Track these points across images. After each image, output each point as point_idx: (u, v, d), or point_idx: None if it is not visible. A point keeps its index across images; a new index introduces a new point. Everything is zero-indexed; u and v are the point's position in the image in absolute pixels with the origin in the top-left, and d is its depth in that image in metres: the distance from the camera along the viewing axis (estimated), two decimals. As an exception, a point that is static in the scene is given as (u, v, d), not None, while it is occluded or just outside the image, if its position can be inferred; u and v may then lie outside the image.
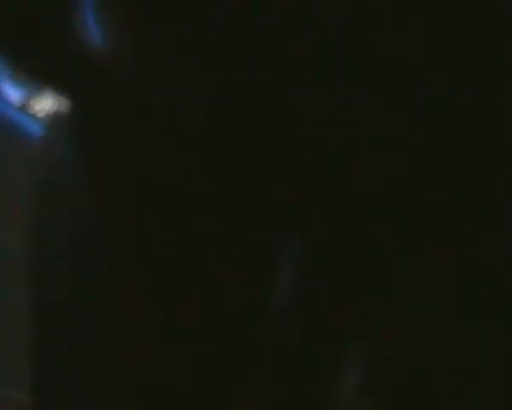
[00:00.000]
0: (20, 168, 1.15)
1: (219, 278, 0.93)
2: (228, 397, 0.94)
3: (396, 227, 0.87)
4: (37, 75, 1.08)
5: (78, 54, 0.95)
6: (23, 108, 1.76)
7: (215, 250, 0.93)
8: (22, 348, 1.02)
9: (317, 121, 0.86)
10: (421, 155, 0.83)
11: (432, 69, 0.81)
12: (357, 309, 0.90)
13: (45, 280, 1.05)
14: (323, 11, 0.81)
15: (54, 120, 1.10)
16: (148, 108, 0.93)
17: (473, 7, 0.79)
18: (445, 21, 0.80)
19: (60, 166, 1.05)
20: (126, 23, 0.91)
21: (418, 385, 0.88)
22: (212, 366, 0.94)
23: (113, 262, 0.97)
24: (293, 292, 0.91)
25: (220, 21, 0.84)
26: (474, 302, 0.86)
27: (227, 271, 0.93)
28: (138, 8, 0.89)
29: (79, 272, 1.01)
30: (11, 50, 0.98)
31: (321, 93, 0.84)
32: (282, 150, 0.89)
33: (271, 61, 0.84)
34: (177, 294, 0.94)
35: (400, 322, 0.89)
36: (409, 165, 0.84)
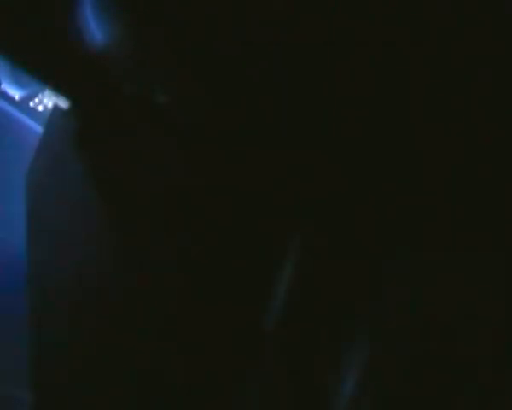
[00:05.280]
0: (21, 167, 1.15)
1: (220, 279, 0.93)
2: (228, 396, 0.94)
3: (396, 227, 0.87)
4: (38, 74, 1.08)
5: (79, 53, 0.95)
6: (23, 106, 1.76)
7: (216, 250, 0.93)
8: (22, 347, 1.03)
9: (319, 123, 0.86)
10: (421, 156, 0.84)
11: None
12: (356, 309, 0.90)
13: (45, 279, 1.05)
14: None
15: (54, 119, 1.10)
16: (147, 107, 0.93)
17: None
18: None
19: (60, 164, 1.05)
20: (126, 23, 0.91)
21: (415, 384, 0.88)
22: (213, 366, 0.94)
23: (112, 260, 0.98)
24: (293, 292, 0.91)
25: (217, 22, 0.84)
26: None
27: (228, 271, 0.93)
28: (138, 8, 0.89)
29: (79, 270, 1.01)
30: (12, 49, 0.98)
31: (325, 93, 0.84)
32: (283, 150, 0.89)
33: (270, 63, 0.84)
34: (176, 295, 0.95)
35: (398, 322, 0.89)
36: (406, 166, 0.84)
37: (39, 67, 1.00)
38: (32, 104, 1.76)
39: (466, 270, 0.86)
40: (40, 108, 1.76)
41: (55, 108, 1.08)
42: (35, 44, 0.95)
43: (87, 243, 1.00)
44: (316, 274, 0.91)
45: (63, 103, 1.03)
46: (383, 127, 0.84)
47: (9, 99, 1.76)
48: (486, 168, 0.82)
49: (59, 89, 1.03)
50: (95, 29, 0.92)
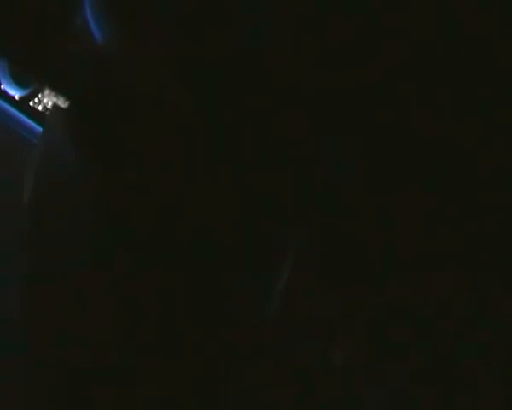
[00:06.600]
0: (20, 168, 1.16)
1: (220, 275, 0.93)
2: (226, 393, 0.94)
3: (393, 228, 0.87)
4: (38, 74, 1.08)
5: (79, 53, 0.95)
6: (23, 106, 1.76)
7: (216, 246, 0.93)
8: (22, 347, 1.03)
9: (321, 120, 0.86)
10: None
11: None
12: (355, 306, 0.90)
13: (44, 278, 1.05)
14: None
15: (53, 119, 1.10)
16: (147, 106, 0.93)
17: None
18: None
19: (60, 164, 1.05)
20: (126, 22, 0.91)
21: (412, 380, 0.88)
22: (210, 362, 0.94)
23: (112, 259, 0.98)
24: (292, 290, 0.92)
25: (216, 22, 0.84)
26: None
27: (228, 269, 0.93)
28: (137, 8, 0.89)
29: (79, 269, 1.01)
30: (12, 50, 0.98)
31: (324, 94, 0.84)
32: (284, 147, 0.89)
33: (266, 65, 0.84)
34: (175, 291, 0.95)
35: (396, 320, 0.89)
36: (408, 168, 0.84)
37: (39, 67, 1.00)
38: (31, 104, 1.77)
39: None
40: (40, 108, 1.76)
41: (55, 107, 1.08)
42: (35, 44, 0.95)
43: (87, 241, 1.00)
44: (315, 272, 0.91)
45: (63, 103, 1.03)
46: (383, 127, 0.84)
47: (9, 99, 1.76)
48: (487, 172, 0.82)
49: (58, 88, 1.03)
50: (95, 29, 0.92)
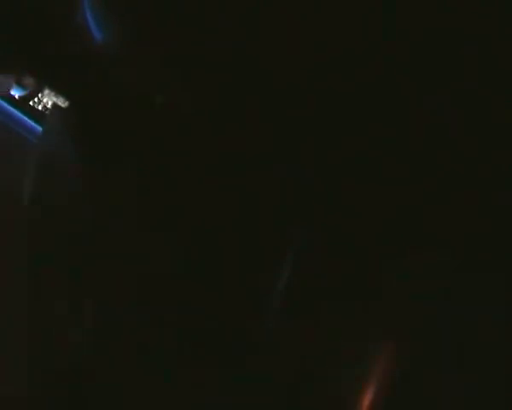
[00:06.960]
0: (20, 168, 1.16)
1: (220, 275, 0.93)
2: (226, 393, 0.94)
3: (395, 228, 0.87)
4: (38, 74, 1.08)
5: (79, 53, 0.95)
6: (23, 106, 1.76)
7: (216, 246, 0.93)
8: (22, 348, 1.03)
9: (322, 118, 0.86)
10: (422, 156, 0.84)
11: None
12: (354, 308, 0.90)
13: (44, 278, 1.05)
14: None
15: (53, 119, 1.10)
16: (147, 106, 0.93)
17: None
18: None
19: (59, 164, 1.05)
20: (126, 22, 0.91)
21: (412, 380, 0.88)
22: (210, 361, 0.94)
23: (113, 263, 0.98)
24: (293, 286, 0.92)
25: (217, 23, 0.84)
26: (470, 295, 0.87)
27: (228, 268, 0.93)
28: (137, 8, 0.89)
29: (79, 270, 1.01)
30: (12, 49, 0.98)
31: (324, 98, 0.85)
32: (284, 147, 0.89)
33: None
34: (174, 290, 0.95)
35: (396, 320, 0.89)
36: (409, 166, 0.84)
37: (39, 67, 1.00)
38: (31, 103, 1.76)
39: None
40: (40, 108, 1.76)
41: (55, 107, 1.08)
42: (35, 44, 0.95)
43: (87, 240, 1.00)
44: (315, 272, 0.91)
45: (62, 103, 1.03)
46: (383, 127, 0.84)
47: (9, 98, 1.76)
48: (487, 170, 0.82)
49: (58, 88, 1.03)
50: (95, 29, 0.92)
